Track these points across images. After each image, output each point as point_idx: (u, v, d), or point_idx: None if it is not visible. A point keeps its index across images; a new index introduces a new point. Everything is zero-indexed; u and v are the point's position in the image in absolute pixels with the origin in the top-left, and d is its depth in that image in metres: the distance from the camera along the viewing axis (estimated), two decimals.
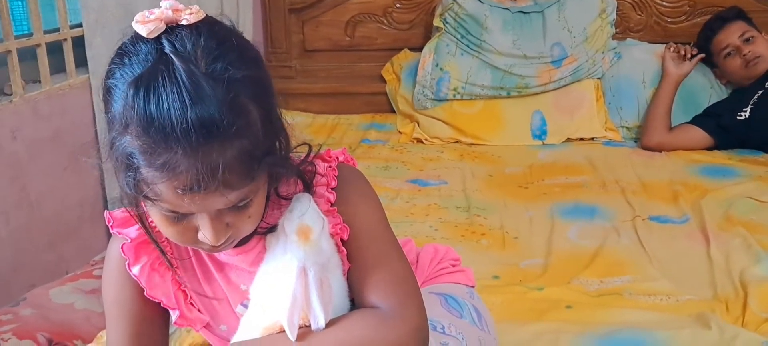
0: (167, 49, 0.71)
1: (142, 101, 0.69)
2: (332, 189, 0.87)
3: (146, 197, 0.73)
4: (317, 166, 0.89)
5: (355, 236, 0.88)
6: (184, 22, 0.73)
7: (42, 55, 1.83)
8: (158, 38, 0.72)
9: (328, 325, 0.82)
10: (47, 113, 1.80)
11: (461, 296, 1.05)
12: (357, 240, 0.88)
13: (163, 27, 0.72)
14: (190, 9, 0.74)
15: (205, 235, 0.77)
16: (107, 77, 0.74)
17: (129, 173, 0.72)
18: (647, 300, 1.45)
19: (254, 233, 0.84)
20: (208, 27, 0.74)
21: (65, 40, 1.92)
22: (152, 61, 0.71)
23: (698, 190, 2.02)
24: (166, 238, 0.83)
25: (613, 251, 1.66)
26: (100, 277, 1.51)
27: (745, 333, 1.29)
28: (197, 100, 0.68)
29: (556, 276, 1.56)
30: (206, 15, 0.76)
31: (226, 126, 0.69)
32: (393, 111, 2.86)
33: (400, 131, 2.70)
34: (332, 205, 0.87)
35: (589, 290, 1.50)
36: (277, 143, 0.79)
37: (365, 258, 0.88)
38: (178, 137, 0.68)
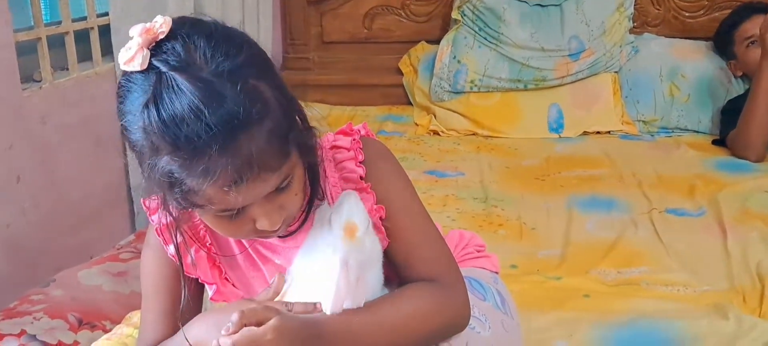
0: (163, 68, 0.71)
1: (160, 123, 0.70)
2: (360, 162, 0.90)
3: (197, 205, 0.76)
4: (339, 140, 0.91)
5: (394, 214, 0.90)
6: (161, 37, 0.73)
7: (70, 42, 1.86)
8: (150, 63, 0.72)
9: (389, 297, 0.86)
10: (75, 100, 1.84)
11: (486, 280, 1.07)
12: (396, 218, 0.91)
13: (148, 54, 0.72)
14: (158, 21, 0.74)
15: (263, 223, 0.79)
16: (119, 119, 0.76)
17: (175, 190, 0.73)
18: (664, 291, 1.47)
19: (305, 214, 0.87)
20: (189, 28, 0.74)
21: (92, 28, 1.95)
22: (154, 84, 0.71)
23: (715, 184, 2.02)
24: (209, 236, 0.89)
25: (630, 243, 1.68)
26: (125, 260, 1.56)
27: (763, 324, 1.30)
28: (210, 102, 0.69)
29: (573, 266, 1.58)
30: (174, 18, 0.75)
31: (246, 115, 0.70)
32: (410, 103, 2.87)
33: (416, 123, 2.71)
34: (362, 178, 0.89)
35: (607, 280, 1.51)
36: (297, 116, 0.79)
37: (407, 236, 0.91)
38: (207, 143, 0.69)
